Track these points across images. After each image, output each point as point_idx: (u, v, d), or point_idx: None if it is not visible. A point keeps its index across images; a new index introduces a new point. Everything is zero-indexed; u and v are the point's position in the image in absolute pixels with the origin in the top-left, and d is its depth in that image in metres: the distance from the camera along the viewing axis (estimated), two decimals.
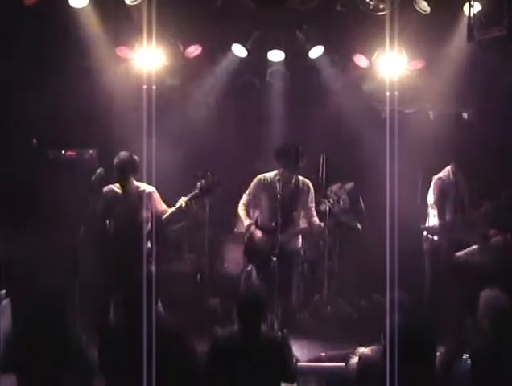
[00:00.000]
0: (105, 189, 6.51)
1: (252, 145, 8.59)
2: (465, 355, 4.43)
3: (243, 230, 6.98)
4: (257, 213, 6.90)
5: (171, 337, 4.46)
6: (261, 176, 6.86)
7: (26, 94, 7.92)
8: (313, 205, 6.86)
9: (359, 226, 6.79)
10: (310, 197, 6.82)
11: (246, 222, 6.80)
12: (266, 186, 6.77)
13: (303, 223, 6.88)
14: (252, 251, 6.82)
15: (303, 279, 7.61)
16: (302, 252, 7.03)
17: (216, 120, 8.63)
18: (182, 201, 6.35)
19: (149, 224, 6.30)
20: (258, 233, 6.75)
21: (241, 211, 6.84)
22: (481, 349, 4.32)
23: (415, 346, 3.99)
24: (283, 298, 6.50)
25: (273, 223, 6.56)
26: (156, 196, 6.46)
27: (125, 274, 5.97)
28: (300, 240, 6.88)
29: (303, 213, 6.84)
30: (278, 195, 6.56)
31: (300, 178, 6.81)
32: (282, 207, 6.60)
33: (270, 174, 6.82)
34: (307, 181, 6.85)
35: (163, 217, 6.35)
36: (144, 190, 6.41)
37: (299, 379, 4.89)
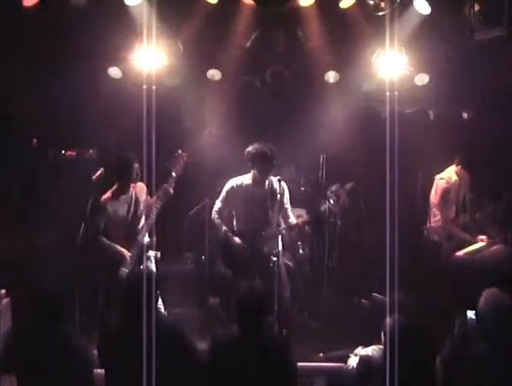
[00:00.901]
0: (102, 201, 6.48)
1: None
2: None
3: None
4: (233, 218, 6.78)
5: (171, 336, 4.46)
6: (233, 180, 6.76)
7: (27, 94, 7.91)
8: (289, 206, 6.73)
9: (338, 222, 6.73)
10: (285, 198, 6.70)
11: (222, 228, 6.69)
12: (239, 190, 6.68)
13: (281, 224, 6.70)
14: (230, 257, 6.72)
15: (296, 280, 7.51)
16: (284, 253, 6.87)
17: (215, 120, 8.62)
18: (164, 188, 6.33)
19: (145, 218, 6.34)
20: (236, 239, 6.67)
21: (215, 219, 6.73)
22: (483, 349, 4.31)
23: (415, 346, 3.99)
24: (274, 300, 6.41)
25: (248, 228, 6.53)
26: (145, 190, 6.47)
27: (127, 272, 6.02)
28: (280, 242, 6.63)
29: (280, 214, 6.66)
30: (253, 199, 6.50)
31: (274, 179, 6.63)
32: (258, 211, 6.54)
33: (243, 178, 6.73)
34: (282, 182, 6.69)
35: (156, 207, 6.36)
36: (137, 187, 6.43)
37: (299, 379, 4.87)
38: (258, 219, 6.54)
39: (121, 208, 6.42)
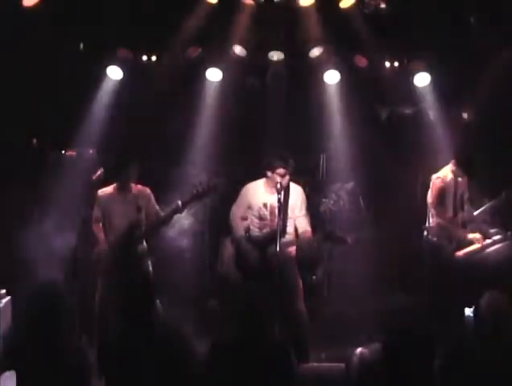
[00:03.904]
0: (100, 192, 6.47)
1: (252, 146, 8.59)
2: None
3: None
4: (247, 223, 6.64)
5: (171, 338, 4.46)
6: (248, 185, 6.62)
7: (27, 94, 7.92)
8: (304, 213, 6.52)
9: (349, 239, 6.58)
10: (301, 205, 6.51)
11: (238, 231, 6.55)
12: (253, 195, 6.54)
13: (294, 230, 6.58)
14: (242, 262, 6.59)
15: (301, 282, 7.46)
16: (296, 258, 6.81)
17: (215, 120, 8.62)
18: (178, 204, 6.27)
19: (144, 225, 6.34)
20: (248, 244, 6.52)
21: (232, 221, 6.62)
22: (483, 350, 4.31)
23: (415, 346, 3.99)
24: (283, 305, 6.33)
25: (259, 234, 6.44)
26: (151, 197, 6.45)
27: (124, 275, 6.01)
28: (294, 248, 6.54)
29: (295, 221, 6.53)
30: (265, 204, 6.43)
31: (290, 184, 6.50)
32: (271, 216, 6.39)
33: (256, 183, 6.59)
34: (298, 187, 6.57)
35: (157, 220, 6.33)
36: (140, 191, 6.42)
37: (299, 380, 4.87)
38: (271, 225, 6.42)
39: (119, 209, 6.40)
